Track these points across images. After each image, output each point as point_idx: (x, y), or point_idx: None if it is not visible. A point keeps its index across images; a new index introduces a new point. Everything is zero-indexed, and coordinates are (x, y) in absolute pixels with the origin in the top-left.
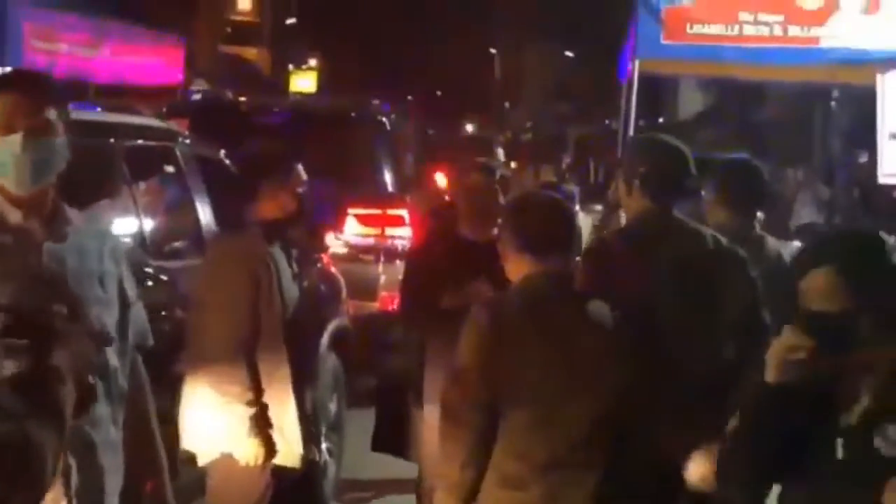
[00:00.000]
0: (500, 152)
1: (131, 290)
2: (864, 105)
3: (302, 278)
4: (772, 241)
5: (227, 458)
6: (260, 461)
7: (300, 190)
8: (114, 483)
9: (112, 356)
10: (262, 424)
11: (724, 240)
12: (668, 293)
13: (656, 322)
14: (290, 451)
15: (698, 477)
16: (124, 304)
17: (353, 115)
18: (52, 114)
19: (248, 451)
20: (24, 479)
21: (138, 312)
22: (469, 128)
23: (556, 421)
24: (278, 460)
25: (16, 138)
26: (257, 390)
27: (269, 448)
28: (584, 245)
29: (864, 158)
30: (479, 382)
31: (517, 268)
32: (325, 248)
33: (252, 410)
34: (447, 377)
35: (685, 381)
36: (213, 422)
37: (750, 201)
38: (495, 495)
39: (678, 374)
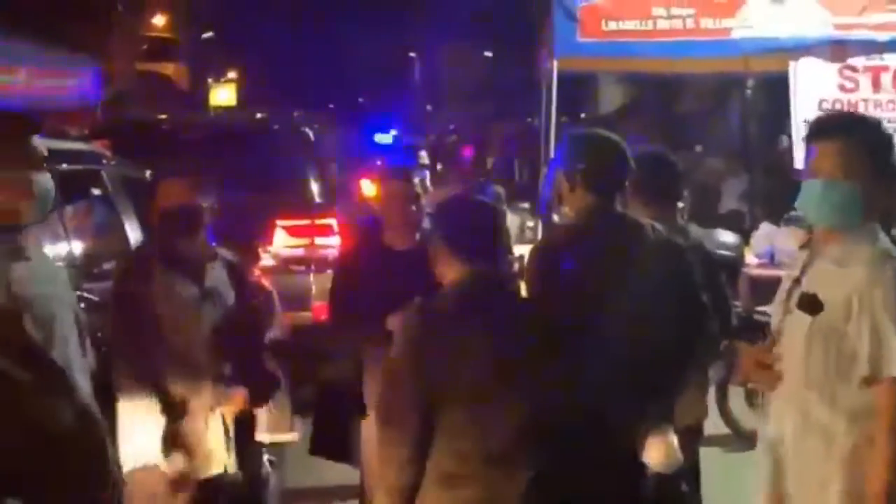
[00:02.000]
0: (424, 155)
1: (81, 312)
2: (778, 92)
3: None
4: (695, 230)
5: (147, 470)
6: (179, 473)
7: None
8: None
9: (79, 377)
10: (182, 437)
11: (662, 231)
12: (613, 288)
13: (603, 314)
14: (215, 460)
15: (656, 460)
16: (80, 326)
17: (275, 127)
18: (37, 147)
19: (167, 462)
20: (92, 466)
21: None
22: (393, 132)
23: (490, 419)
24: (206, 471)
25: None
26: (178, 405)
27: (193, 460)
28: (510, 244)
29: (783, 145)
30: (414, 384)
31: (448, 271)
32: (257, 262)
33: (173, 424)
34: (382, 382)
35: (633, 369)
36: (138, 435)
37: (668, 193)
38: (434, 494)
39: (625, 362)
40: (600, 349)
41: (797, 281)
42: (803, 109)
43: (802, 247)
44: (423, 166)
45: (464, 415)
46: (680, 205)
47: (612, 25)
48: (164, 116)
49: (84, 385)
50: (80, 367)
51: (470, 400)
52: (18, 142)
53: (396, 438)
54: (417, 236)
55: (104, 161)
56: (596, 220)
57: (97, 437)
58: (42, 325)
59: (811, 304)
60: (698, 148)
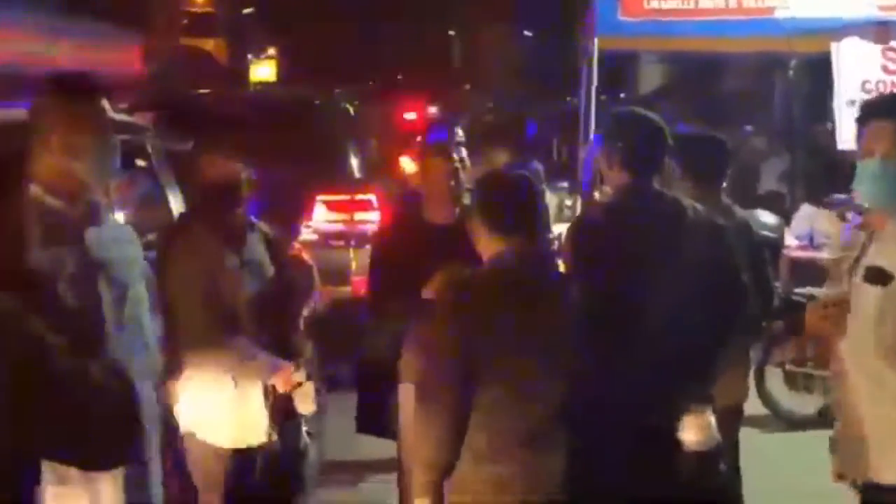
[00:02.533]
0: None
1: (151, 277)
2: (820, 73)
3: (274, 265)
4: (739, 211)
5: (191, 437)
6: (223, 443)
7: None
8: (157, 469)
9: (150, 338)
10: (228, 408)
11: (702, 210)
12: (651, 265)
13: (640, 294)
14: (255, 431)
15: (693, 439)
16: (151, 287)
17: (316, 103)
18: (109, 112)
19: (212, 431)
20: (125, 427)
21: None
22: (432, 110)
23: (529, 396)
24: (246, 442)
25: (89, 138)
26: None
27: (235, 431)
28: (549, 222)
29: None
30: (453, 360)
31: (487, 246)
32: (297, 236)
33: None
34: (422, 358)
35: (670, 348)
36: (199, 403)
37: (715, 173)
38: (470, 471)
39: (663, 342)
40: (637, 327)
41: (857, 260)
42: (846, 90)
43: (860, 227)
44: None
45: (502, 392)
46: (723, 185)
47: (654, 4)
48: (205, 91)
49: (153, 344)
50: (150, 329)
51: (509, 377)
52: (91, 104)
53: (435, 414)
54: (457, 211)
55: (148, 133)
56: (632, 198)
57: (130, 402)
58: (117, 286)
59: (880, 276)
60: (748, 128)
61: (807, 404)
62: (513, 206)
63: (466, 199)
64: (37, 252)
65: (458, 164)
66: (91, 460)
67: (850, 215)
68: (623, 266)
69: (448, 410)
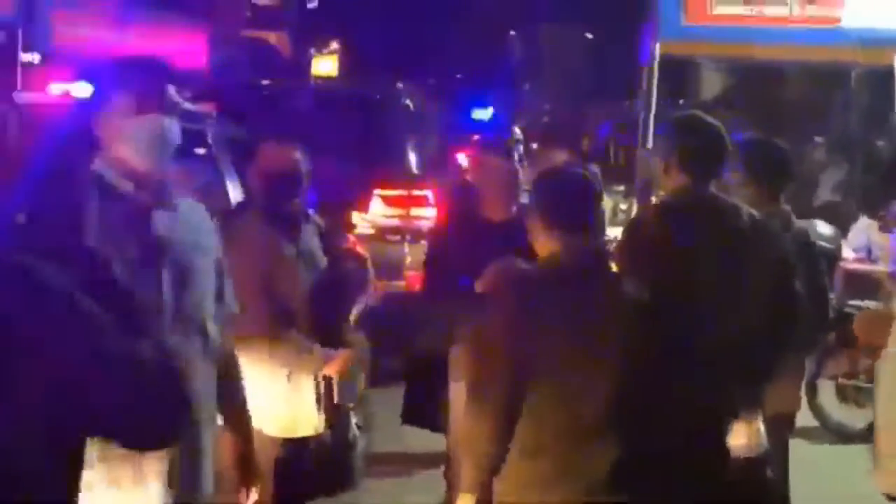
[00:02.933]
0: (518, 131)
1: (224, 264)
2: (883, 85)
3: (327, 257)
4: (797, 220)
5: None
6: (274, 432)
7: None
8: (209, 462)
9: (210, 325)
10: (282, 398)
11: (759, 216)
12: (705, 268)
13: (694, 297)
14: (306, 421)
15: (741, 444)
16: (220, 275)
17: (378, 97)
18: (175, 97)
19: (263, 420)
20: (172, 407)
21: (229, 285)
22: (490, 109)
23: (579, 394)
24: (297, 432)
25: (148, 121)
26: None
27: (287, 421)
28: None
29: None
30: (506, 358)
31: (545, 244)
32: (352, 229)
33: (274, 385)
34: (474, 354)
35: (724, 354)
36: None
37: (777, 179)
38: (518, 466)
39: (715, 347)
40: (691, 332)
41: None
42: None
43: None
44: (518, 141)
45: (553, 388)
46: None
47: (719, 9)
48: (267, 83)
49: (214, 332)
50: (214, 316)
51: (560, 374)
52: (157, 87)
53: (486, 410)
54: (514, 209)
55: (209, 122)
56: (689, 202)
57: (177, 382)
58: (178, 269)
59: None
60: (818, 139)
61: (857, 417)
62: (572, 204)
63: (523, 198)
64: (97, 231)
65: (515, 162)
66: (137, 439)
67: None
68: (678, 270)
69: (498, 407)
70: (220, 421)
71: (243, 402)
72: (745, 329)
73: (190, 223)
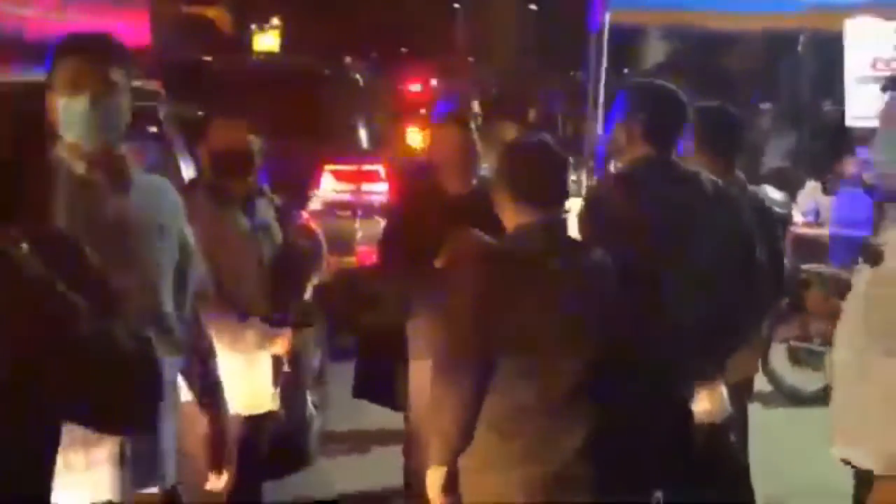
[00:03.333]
0: (475, 104)
1: (190, 241)
2: (829, 50)
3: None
4: (750, 186)
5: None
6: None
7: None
8: (171, 444)
9: (169, 303)
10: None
11: (721, 183)
12: (668, 237)
13: (658, 265)
14: (262, 398)
15: (704, 410)
16: (185, 254)
17: (326, 72)
18: (116, 74)
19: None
20: (146, 392)
21: (198, 262)
22: (436, 83)
23: (548, 369)
24: (252, 409)
25: (82, 99)
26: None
27: (246, 398)
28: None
29: (829, 104)
30: (474, 333)
31: (512, 216)
32: (305, 205)
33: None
34: (441, 329)
35: (687, 321)
36: None
37: (731, 145)
38: (486, 442)
39: (679, 314)
40: (654, 299)
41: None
42: (857, 68)
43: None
44: (476, 114)
45: (521, 364)
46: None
47: None
48: (210, 59)
49: (173, 311)
50: (178, 294)
51: (528, 349)
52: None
53: (452, 387)
54: (473, 181)
55: (159, 99)
56: (652, 170)
57: (152, 364)
58: (135, 249)
59: (873, 255)
60: (764, 106)
61: (810, 381)
62: (543, 176)
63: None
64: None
65: (474, 134)
66: (111, 423)
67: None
68: (641, 238)
69: (466, 384)
70: (187, 400)
71: (215, 382)
72: (708, 296)
73: (148, 202)
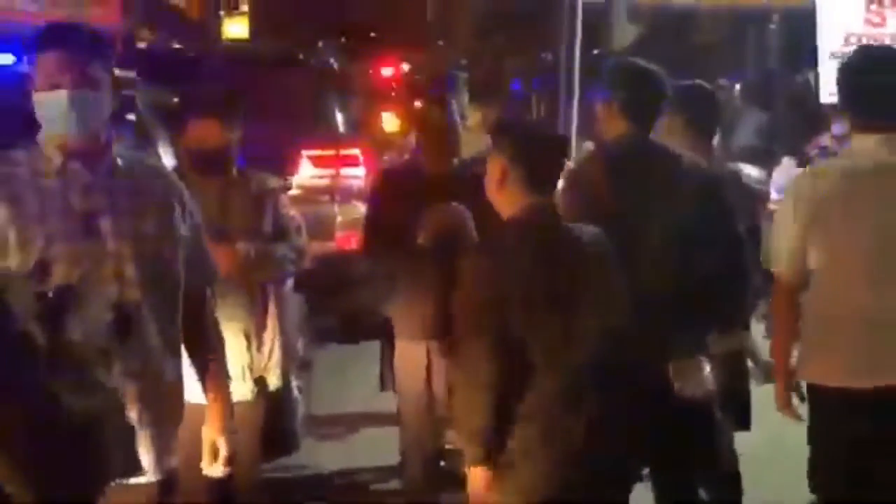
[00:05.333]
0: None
1: (186, 224)
2: (799, 26)
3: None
4: (728, 164)
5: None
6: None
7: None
8: (171, 432)
9: (154, 293)
10: None
11: (700, 160)
12: (649, 215)
13: (637, 242)
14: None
15: (686, 386)
16: (190, 236)
17: (300, 57)
18: (95, 68)
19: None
20: (116, 444)
21: (200, 249)
22: (405, 67)
23: (561, 355)
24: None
25: (61, 94)
26: None
27: None
28: None
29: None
30: (492, 323)
31: (512, 198)
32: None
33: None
34: (456, 323)
35: (667, 298)
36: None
37: (709, 123)
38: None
39: (660, 290)
40: (635, 276)
41: None
42: (829, 43)
43: None
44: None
45: (538, 351)
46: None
47: None
48: (181, 46)
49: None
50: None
51: (544, 335)
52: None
53: (477, 379)
54: (454, 161)
55: (137, 87)
56: (631, 148)
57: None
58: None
59: None
60: (722, 81)
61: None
62: (555, 163)
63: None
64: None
65: (456, 116)
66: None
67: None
68: (621, 215)
69: (490, 374)
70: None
71: (219, 370)
72: (687, 272)
73: (131, 189)
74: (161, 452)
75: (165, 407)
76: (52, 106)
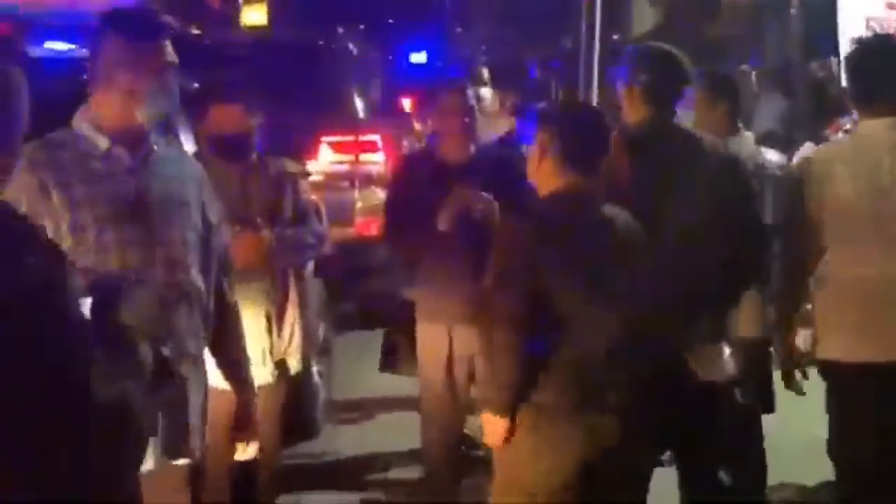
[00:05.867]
0: (486, 72)
1: (214, 214)
2: (820, 11)
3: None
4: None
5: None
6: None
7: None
8: (197, 416)
9: (197, 278)
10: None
11: (721, 144)
12: (670, 197)
13: (659, 225)
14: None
15: (706, 370)
16: (208, 227)
17: (320, 43)
18: (167, 50)
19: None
20: (128, 438)
21: (221, 237)
22: (425, 54)
23: (593, 332)
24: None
25: (168, 74)
26: None
27: None
28: None
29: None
30: (526, 273)
31: (549, 176)
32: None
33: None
34: (488, 297)
35: (687, 281)
36: None
37: (733, 107)
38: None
39: (680, 274)
40: (657, 259)
41: None
42: (850, 28)
43: None
44: (485, 83)
45: (564, 324)
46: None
47: None
48: (199, 32)
49: (199, 284)
50: (201, 268)
51: (572, 309)
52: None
53: (509, 336)
54: (472, 148)
55: None
56: (653, 132)
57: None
58: (156, 223)
59: None
60: (744, 67)
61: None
62: (592, 141)
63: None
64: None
65: (472, 102)
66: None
67: None
68: (643, 198)
69: (521, 332)
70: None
71: (240, 356)
72: (709, 255)
73: (167, 175)
74: (199, 435)
75: (206, 390)
76: (160, 86)
